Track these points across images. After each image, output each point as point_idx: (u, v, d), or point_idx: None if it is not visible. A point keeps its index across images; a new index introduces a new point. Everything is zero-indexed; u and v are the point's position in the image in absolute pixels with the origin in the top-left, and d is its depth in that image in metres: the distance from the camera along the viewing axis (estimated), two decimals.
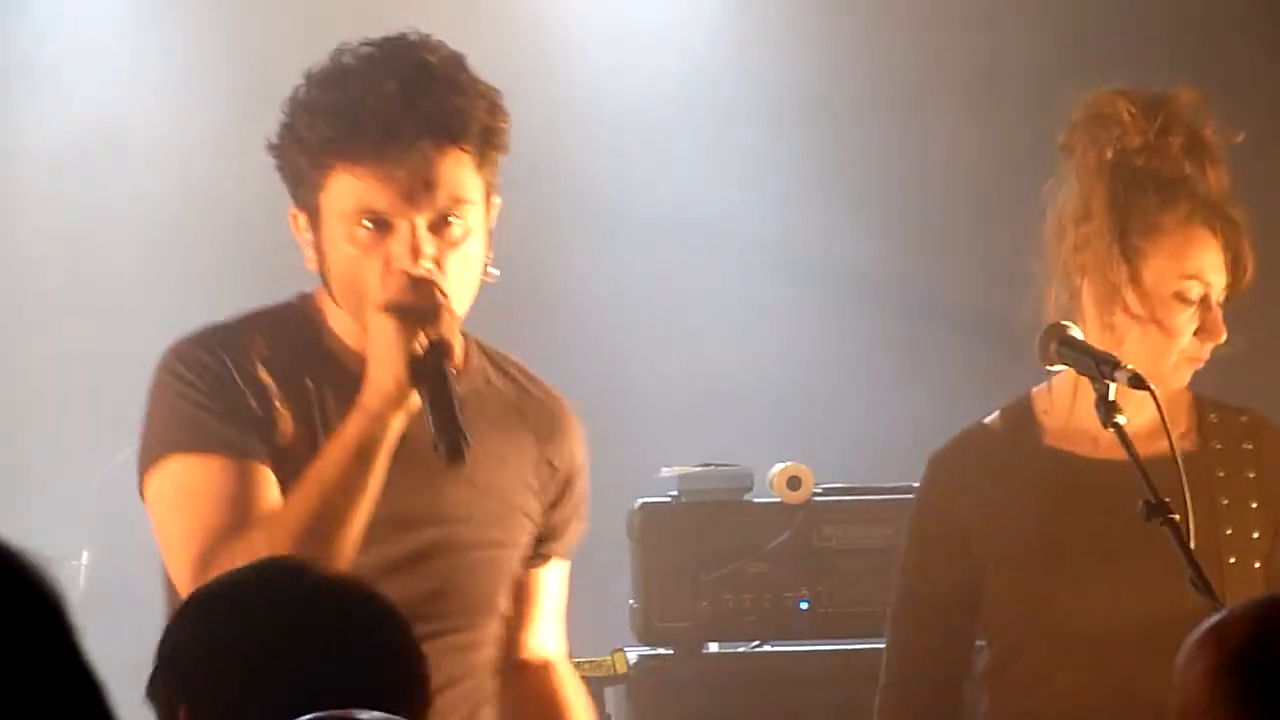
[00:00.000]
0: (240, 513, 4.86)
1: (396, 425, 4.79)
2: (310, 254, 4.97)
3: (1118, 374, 5.26)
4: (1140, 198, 5.65)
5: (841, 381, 8.70)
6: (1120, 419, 5.20)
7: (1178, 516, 4.98)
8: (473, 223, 4.83)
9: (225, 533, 4.79)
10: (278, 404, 5.06)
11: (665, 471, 7.13)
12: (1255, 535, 5.70)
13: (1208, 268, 5.65)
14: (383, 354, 4.79)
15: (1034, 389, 5.80)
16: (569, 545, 5.27)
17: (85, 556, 8.55)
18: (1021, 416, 5.84)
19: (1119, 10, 9.31)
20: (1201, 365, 5.73)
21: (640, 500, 7.06)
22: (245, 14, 9.51)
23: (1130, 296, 5.61)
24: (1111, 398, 5.24)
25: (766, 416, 8.65)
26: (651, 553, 7.00)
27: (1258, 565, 5.73)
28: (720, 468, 7.14)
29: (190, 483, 4.94)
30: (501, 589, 5.12)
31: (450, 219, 4.85)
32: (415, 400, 4.78)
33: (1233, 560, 5.68)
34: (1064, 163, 5.70)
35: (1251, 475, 5.78)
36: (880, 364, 8.71)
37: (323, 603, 3.79)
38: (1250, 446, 5.82)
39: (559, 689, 5.38)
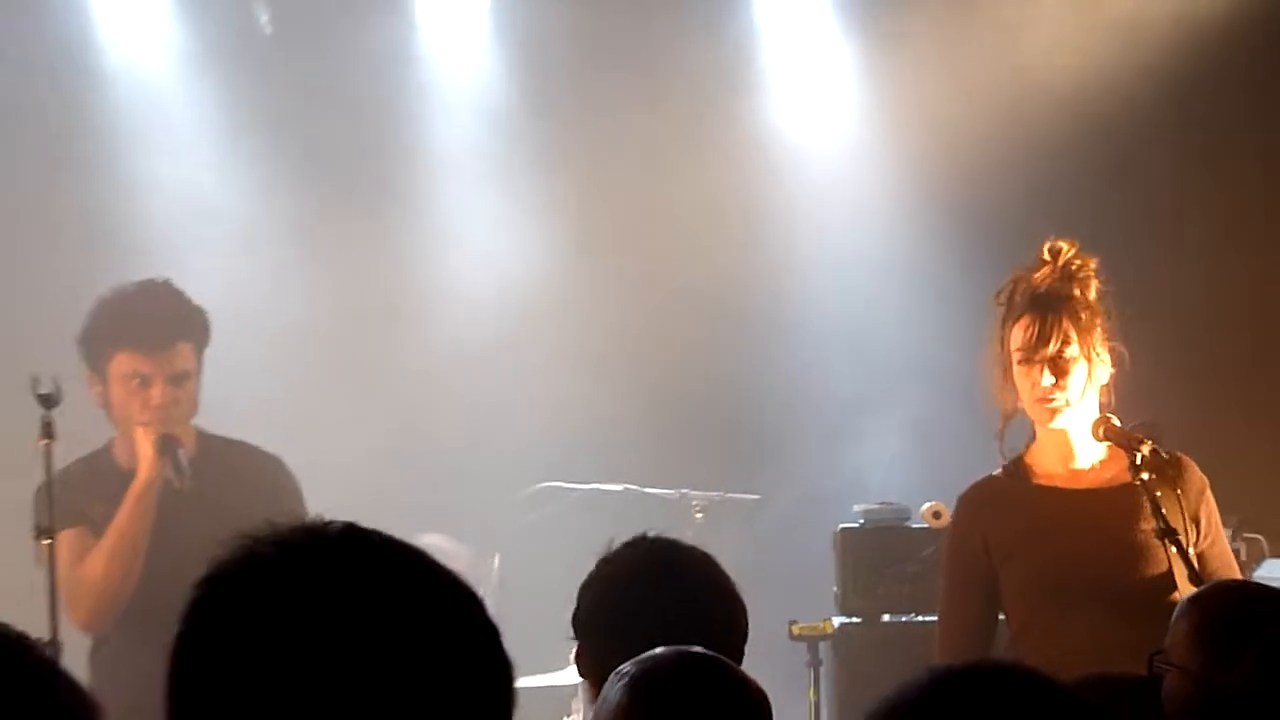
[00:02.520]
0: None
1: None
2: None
3: (1141, 451, 6.50)
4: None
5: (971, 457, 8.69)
6: (1145, 475, 6.43)
7: (1179, 536, 6.37)
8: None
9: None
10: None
11: (856, 508, 8.67)
12: (1187, 536, 6.56)
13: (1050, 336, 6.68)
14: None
15: (1026, 449, 6.81)
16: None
17: (497, 560, 9.29)
18: (1017, 467, 6.81)
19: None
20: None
21: (841, 525, 8.58)
22: None
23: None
24: (1139, 462, 6.46)
25: (917, 473, 9.59)
26: (848, 558, 8.55)
27: (1192, 552, 6.51)
28: (890, 505, 8.71)
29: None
30: None
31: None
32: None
33: (1173, 555, 6.48)
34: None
35: (1175, 496, 6.60)
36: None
37: (674, 568, 4.93)
38: (1172, 475, 6.66)
39: None
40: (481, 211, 10.32)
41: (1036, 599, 6.67)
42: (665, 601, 4.75)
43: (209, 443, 7.33)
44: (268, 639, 2.36)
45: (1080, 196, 9.83)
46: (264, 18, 10.18)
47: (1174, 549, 6.44)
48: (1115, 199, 9.89)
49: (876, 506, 8.67)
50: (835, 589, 8.57)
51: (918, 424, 10.00)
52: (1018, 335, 6.72)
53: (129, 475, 7.17)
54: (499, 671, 2.43)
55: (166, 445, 7.11)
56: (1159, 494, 6.58)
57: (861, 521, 8.64)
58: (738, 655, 4.70)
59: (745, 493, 9.38)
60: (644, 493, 9.23)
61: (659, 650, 4.11)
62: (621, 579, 4.88)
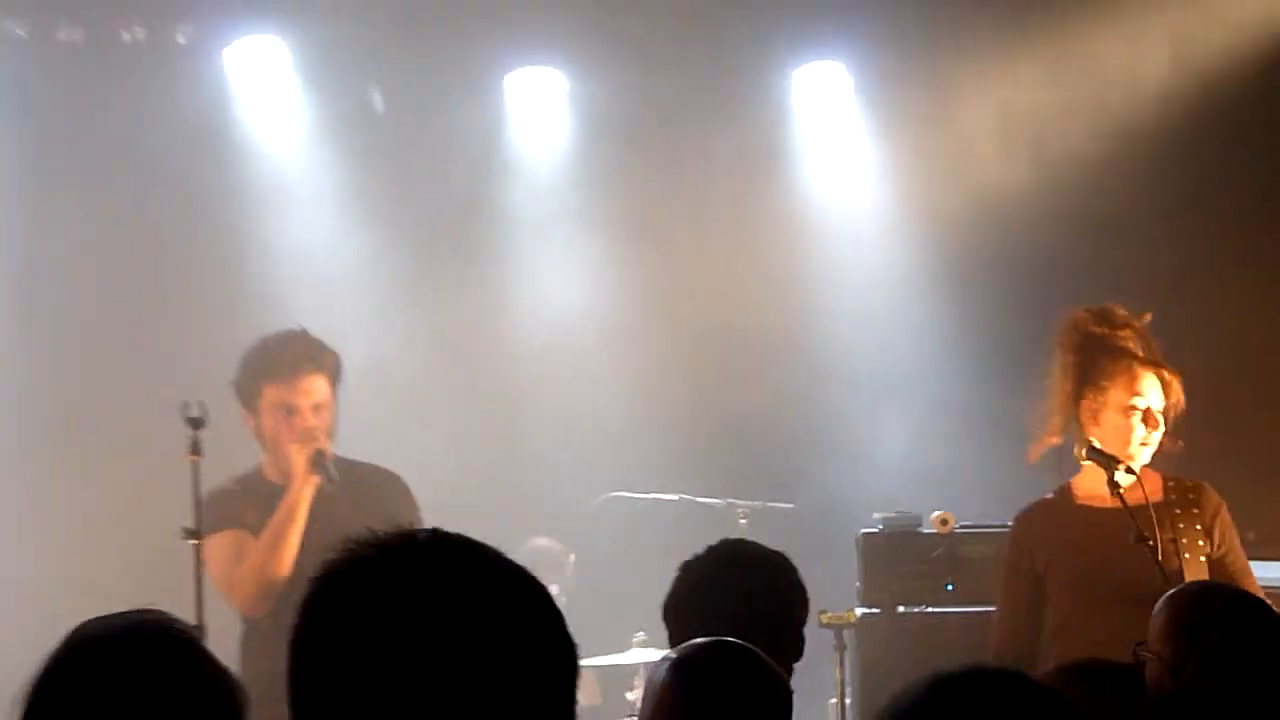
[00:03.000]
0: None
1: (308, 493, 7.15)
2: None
3: (1117, 468, 6.67)
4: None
5: (974, 472, 9.33)
6: (1120, 489, 6.60)
7: (1151, 541, 6.48)
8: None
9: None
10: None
11: (875, 515, 8.57)
12: (1201, 543, 6.79)
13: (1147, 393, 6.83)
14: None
15: (1073, 477, 6.95)
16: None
17: (572, 558, 9.34)
18: (1065, 491, 6.95)
19: None
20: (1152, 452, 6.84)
21: (862, 530, 8.49)
22: None
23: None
24: (1115, 480, 6.63)
25: (931, 485, 9.36)
26: (868, 557, 8.46)
27: (1203, 559, 6.73)
28: (904, 513, 8.58)
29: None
30: None
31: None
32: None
33: (1187, 558, 6.69)
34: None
35: (1195, 512, 6.84)
36: (983, 460, 9.19)
37: (740, 563, 5.01)
38: (1193, 498, 6.88)
39: None
40: (560, 263, 10.31)
41: (1075, 597, 6.78)
42: (732, 595, 4.85)
43: (340, 463, 7.34)
44: (367, 625, 2.36)
45: (1064, 252, 9.81)
46: (377, 99, 10.19)
47: (1150, 556, 6.52)
48: (1106, 256, 9.75)
49: (892, 514, 8.62)
50: (857, 584, 8.53)
51: (927, 443, 9.91)
52: (1120, 386, 6.85)
53: (278, 489, 7.24)
54: (563, 651, 2.42)
55: (317, 458, 7.19)
56: (1178, 511, 6.80)
57: (880, 526, 8.59)
58: (791, 636, 4.96)
59: (781, 501, 9.34)
60: (696, 501, 9.20)
61: (700, 640, 4.16)
62: (698, 576, 5.00)
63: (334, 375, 7.36)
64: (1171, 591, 4.95)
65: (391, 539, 2.44)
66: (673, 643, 4.84)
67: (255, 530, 7.21)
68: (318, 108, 10.17)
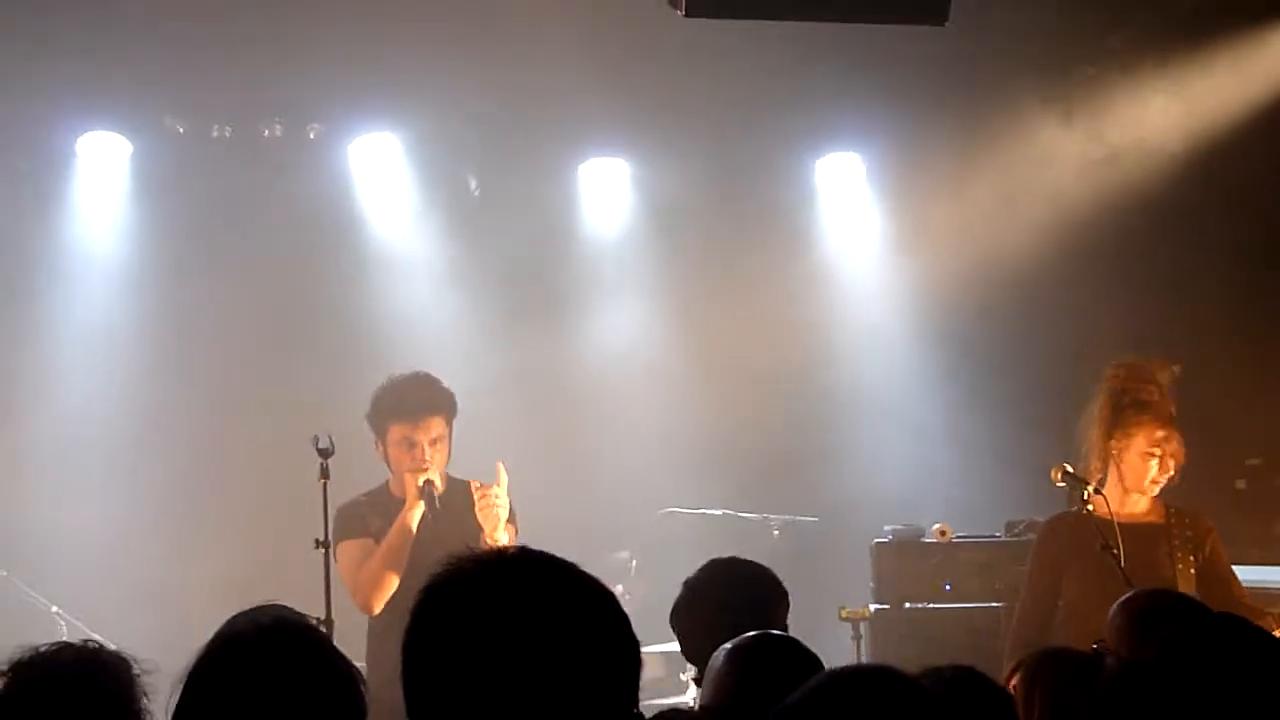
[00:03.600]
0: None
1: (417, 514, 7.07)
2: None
3: (1087, 489, 6.70)
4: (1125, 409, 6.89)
5: (966, 490, 9.32)
6: (1089, 507, 6.66)
7: (1115, 550, 6.47)
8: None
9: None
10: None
11: (886, 527, 8.49)
12: (1192, 558, 6.79)
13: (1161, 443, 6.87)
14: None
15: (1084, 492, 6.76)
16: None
17: (634, 562, 9.20)
18: (1080, 509, 6.76)
19: None
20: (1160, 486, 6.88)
21: (875, 540, 8.44)
22: None
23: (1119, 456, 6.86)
24: (1085, 498, 6.67)
25: (931, 501, 9.20)
26: (879, 563, 8.43)
27: (1193, 571, 6.73)
28: (910, 526, 8.51)
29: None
30: None
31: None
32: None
33: (1179, 569, 6.71)
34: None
35: (1189, 533, 6.85)
36: (974, 480, 9.29)
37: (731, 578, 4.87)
38: (1188, 521, 6.88)
39: None
40: (623, 317, 10.32)
41: (1084, 592, 6.69)
42: (725, 602, 4.75)
43: (453, 483, 7.27)
44: (466, 627, 2.37)
45: (1043, 306, 9.74)
46: (473, 183, 10.21)
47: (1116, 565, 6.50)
48: (1101, 311, 9.58)
49: (900, 526, 8.55)
50: (871, 584, 8.50)
51: (927, 465, 9.84)
52: (1144, 434, 6.91)
53: (400, 502, 7.21)
54: (628, 647, 2.42)
55: (426, 488, 7.15)
56: (1176, 532, 6.86)
57: (890, 536, 8.55)
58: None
59: (808, 515, 9.29)
60: (737, 516, 9.15)
61: (751, 633, 4.13)
62: (699, 590, 4.90)
63: (450, 414, 7.31)
64: (1125, 596, 4.90)
65: (487, 554, 2.45)
66: (682, 646, 4.82)
67: (379, 538, 7.18)
68: (423, 191, 10.17)
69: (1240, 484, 9.11)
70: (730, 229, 10.17)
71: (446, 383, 7.30)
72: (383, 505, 7.25)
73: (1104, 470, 6.96)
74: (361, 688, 3.20)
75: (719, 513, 9.22)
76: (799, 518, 9.24)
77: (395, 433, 7.24)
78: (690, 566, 5.01)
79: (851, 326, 10.39)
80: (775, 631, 4.22)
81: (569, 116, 9.82)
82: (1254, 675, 3.43)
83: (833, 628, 7.83)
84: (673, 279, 10.30)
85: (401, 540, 7.12)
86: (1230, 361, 9.02)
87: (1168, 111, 9.52)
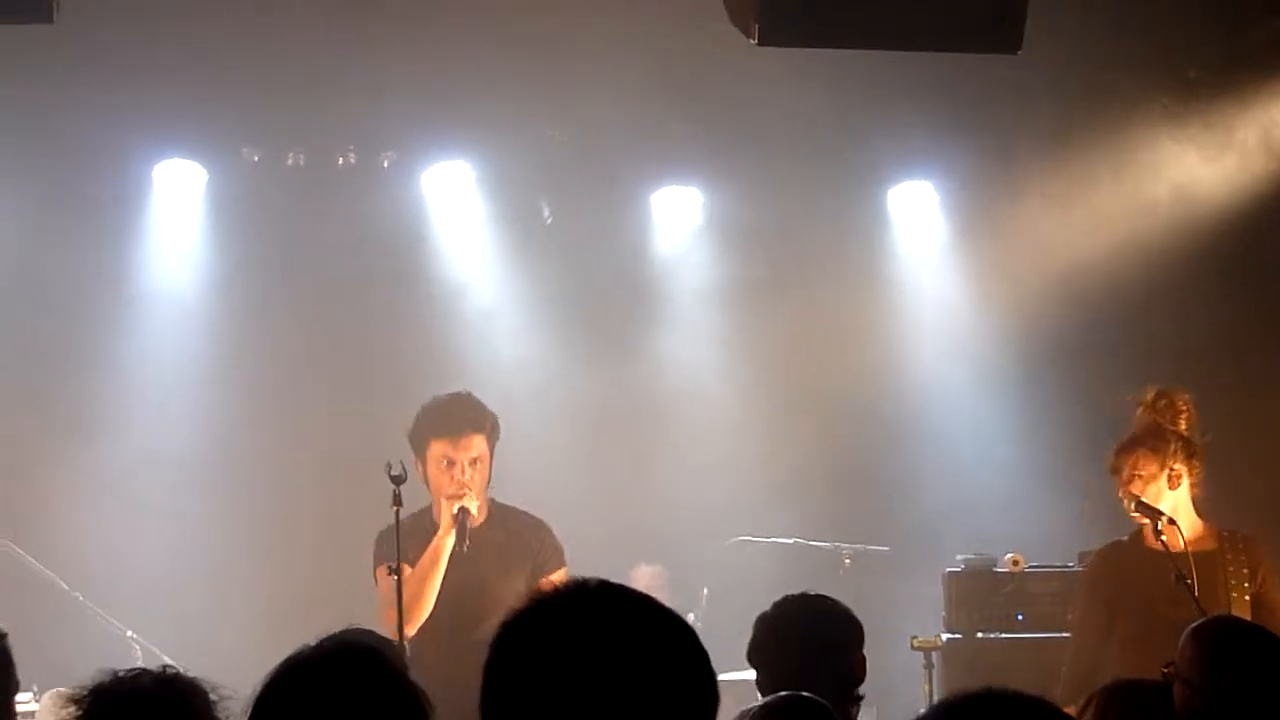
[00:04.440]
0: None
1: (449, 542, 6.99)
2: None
3: (1160, 519, 6.84)
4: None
5: (1040, 521, 9.14)
6: (1164, 537, 6.79)
7: (1189, 580, 6.57)
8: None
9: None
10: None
11: (958, 556, 8.50)
12: (1246, 585, 6.87)
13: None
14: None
15: (1143, 526, 6.96)
16: (554, 572, 7.01)
17: (706, 590, 9.24)
18: (1136, 536, 7.01)
19: None
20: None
21: (947, 569, 8.43)
22: None
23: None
24: (1159, 528, 6.81)
25: (1006, 533, 8.91)
26: (951, 592, 8.41)
27: (1247, 598, 6.83)
28: (981, 555, 8.50)
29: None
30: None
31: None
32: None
33: (1234, 596, 6.81)
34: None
35: (1243, 559, 6.95)
36: (1048, 510, 9.12)
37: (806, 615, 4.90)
38: (1242, 547, 6.99)
39: None
40: (698, 343, 10.29)
41: (1138, 621, 6.78)
42: (805, 646, 4.76)
43: (497, 509, 7.26)
44: (546, 657, 2.35)
45: (1116, 336, 9.69)
46: (546, 211, 10.21)
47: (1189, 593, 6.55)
48: (1151, 343, 9.57)
49: (972, 556, 8.55)
50: (943, 613, 8.50)
51: (997, 494, 9.73)
52: (1131, 462, 7.05)
53: (434, 522, 7.19)
54: (706, 681, 2.40)
55: (460, 516, 7.08)
56: (1229, 557, 6.91)
57: (962, 566, 8.55)
58: (851, 680, 4.79)
59: (879, 545, 9.27)
60: (808, 545, 9.13)
61: (785, 693, 4.20)
62: (778, 628, 4.90)
63: (491, 435, 7.22)
64: (1195, 624, 4.88)
65: (568, 588, 2.44)
66: (759, 679, 4.82)
67: (414, 563, 7.08)
68: (495, 218, 10.20)
69: None
70: (802, 256, 10.17)
71: (492, 405, 7.26)
72: (423, 529, 7.18)
73: (1129, 496, 7.02)
74: (430, 712, 3.19)
75: (790, 541, 9.22)
76: (870, 547, 9.22)
77: (435, 450, 7.17)
78: (762, 594, 5.01)
79: (924, 356, 10.35)
80: (808, 695, 4.21)
81: (641, 144, 9.86)
82: None
83: (904, 657, 7.82)
84: (744, 306, 10.28)
85: (432, 568, 7.06)
86: None
87: (1242, 146, 9.52)
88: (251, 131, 9.73)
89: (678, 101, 9.29)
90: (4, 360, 9.43)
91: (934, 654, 8.08)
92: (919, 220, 10.48)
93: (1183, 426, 7.03)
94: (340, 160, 9.89)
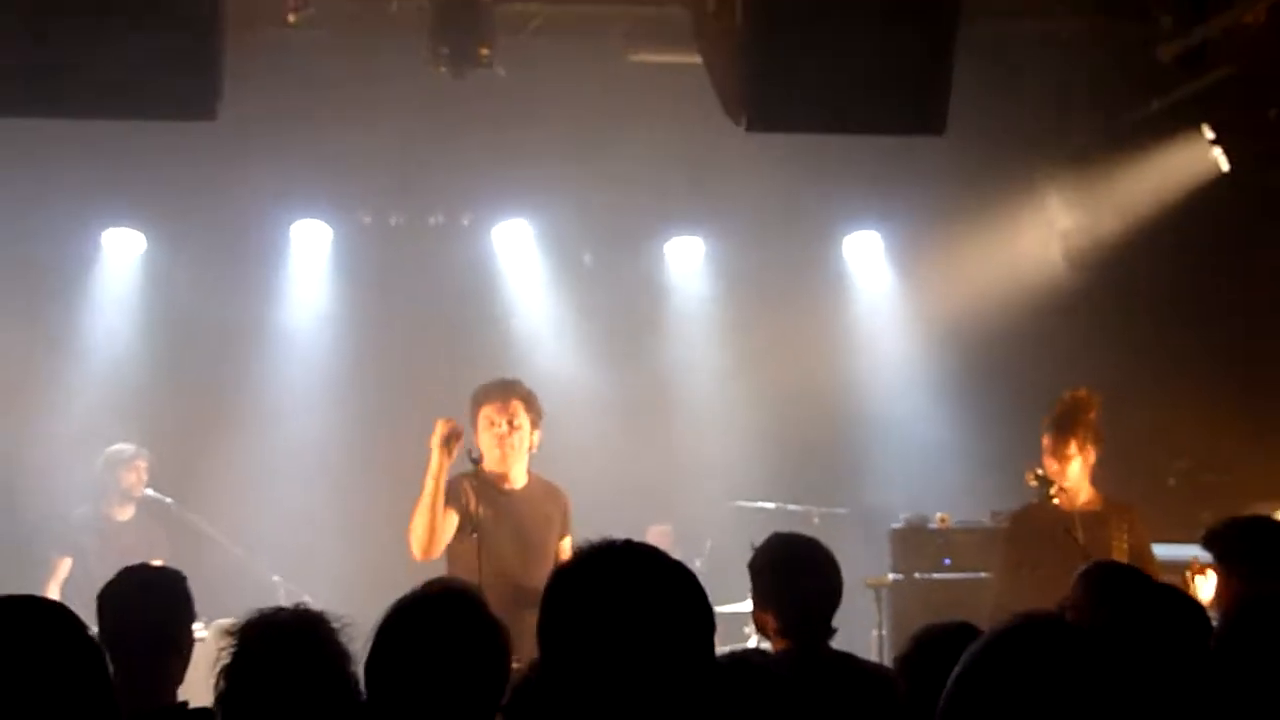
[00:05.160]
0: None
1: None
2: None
3: (1052, 488, 6.85)
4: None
5: (961, 488, 9.18)
6: (1055, 501, 6.77)
7: (1074, 533, 6.54)
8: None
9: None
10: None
11: (900, 516, 8.49)
12: (1125, 537, 6.79)
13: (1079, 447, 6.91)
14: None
15: (1049, 491, 6.83)
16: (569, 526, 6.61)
17: (709, 543, 9.00)
18: (1045, 498, 6.86)
19: None
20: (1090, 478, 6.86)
21: (892, 525, 8.45)
22: None
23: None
24: (1052, 494, 6.81)
25: (936, 498, 8.95)
26: (895, 543, 8.44)
27: (1125, 547, 6.72)
28: (917, 514, 8.52)
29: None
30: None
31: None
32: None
33: (1115, 544, 6.70)
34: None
35: (1124, 519, 6.85)
36: (967, 480, 9.16)
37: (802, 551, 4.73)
38: (1123, 510, 6.89)
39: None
40: (700, 357, 10.21)
41: (1051, 567, 6.49)
42: (799, 570, 4.58)
43: (534, 476, 6.76)
44: (593, 595, 2.36)
45: (1020, 350, 9.60)
46: (587, 258, 10.17)
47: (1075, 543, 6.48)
48: (1071, 355, 9.33)
49: (911, 515, 8.51)
50: (889, 559, 8.46)
51: (931, 468, 9.68)
52: (1070, 446, 6.89)
53: (492, 480, 6.64)
54: (705, 615, 2.41)
55: (450, 435, 6.43)
56: (1111, 517, 6.81)
57: (903, 523, 8.51)
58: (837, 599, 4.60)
59: (840, 507, 9.20)
60: (786, 508, 9.06)
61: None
62: (777, 557, 4.75)
63: (530, 405, 6.68)
64: (1083, 568, 4.74)
65: (601, 545, 2.44)
66: (754, 586, 4.65)
67: (469, 511, 6.53)
68: (550, 266, 10.12)
69: (1171, 481, 9.07)
70: (778, 289, 10.02)
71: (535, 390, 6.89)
72: (480, 482, 6.63)
73: (1062, 470, 6.90)
74: (509, 642, 3.17)
75: (772, 505, 9.14)
76: (834, 510, 9.15)
77: (483, 413, 6.66)
78: (752, 546, 4.87)
79: (876, 365, 10.24)
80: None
81: (658, 205, 9.82)
82: (1174, 632, 3.41)
83: (860, 593, 7.76)
84: (734, 326, 10.18)
85: (431, 487, 6.42)
86: (1163, 389, 8.94)
87: (1117, 201, 9.48)
88: (364, 198, 9.71)
89: (686, 172, 9.28)
90: (184, 372, 9.38)
91: (882, 590, 8.03)
92: (868, 261, 10.41)
93: (1093, 417, 6.97)
94: (431, 220, 9.86)
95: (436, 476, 6.40)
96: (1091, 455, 6.93)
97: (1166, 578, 4.94)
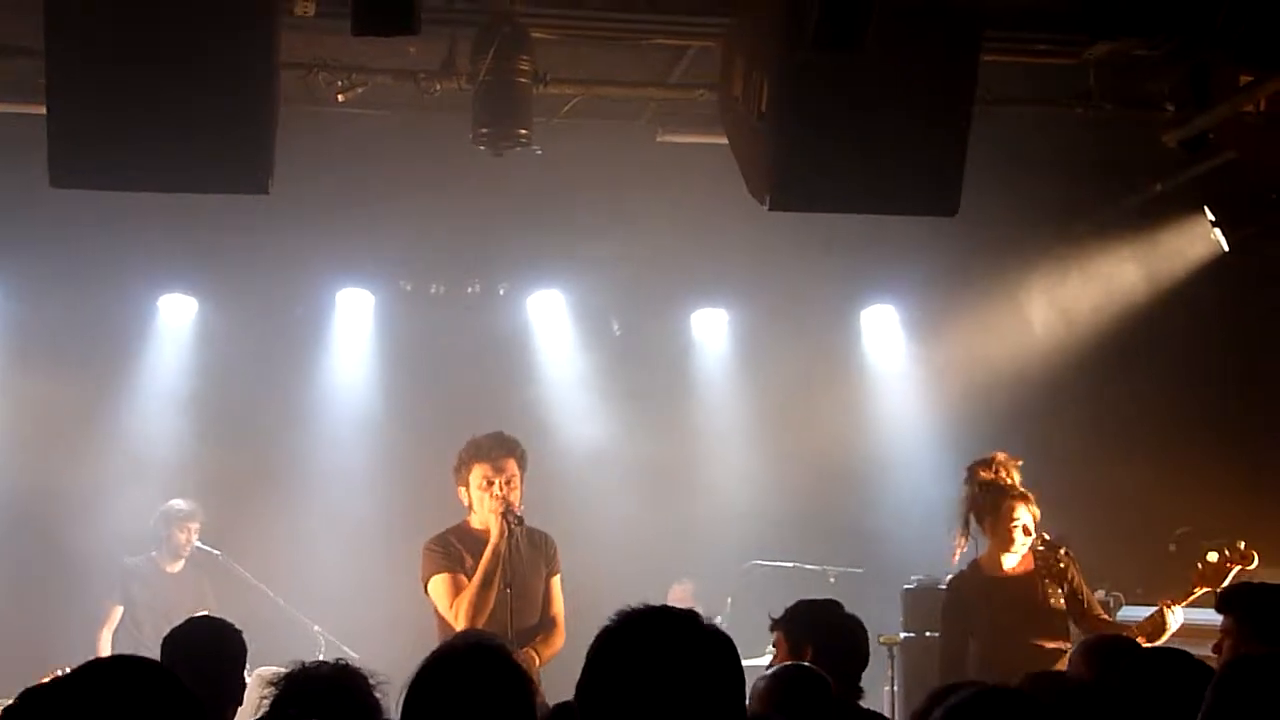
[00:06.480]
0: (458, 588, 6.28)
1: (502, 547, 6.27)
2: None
3: (1039, 543, 6.74)
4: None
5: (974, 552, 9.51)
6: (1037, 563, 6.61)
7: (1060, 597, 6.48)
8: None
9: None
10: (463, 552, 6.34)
11: (912, 577, 8.28)
12: (1059, 590, 6.67)
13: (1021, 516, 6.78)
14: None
15: (978, 557, 6.88)
16: (557, 571, 6.46)
17: (729, 600, 8.96)
18: (975, 566, 6.88)
19: None
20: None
21: (904, 586, 8.24)
22: None
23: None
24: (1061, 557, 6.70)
25: (946, 560, 8.46)
26: (908, 602, 8.25)
27: (1063, 601, 6.63)
28: (929, 576, 8.13)
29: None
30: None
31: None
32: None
33: (1052, 600, 6.64)
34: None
35: (1055, 566, 6.71)
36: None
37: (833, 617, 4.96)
38: (1052, 558, 6.75)
39: (556, 611, 6.36)
40: (723, 421, 10.17)
41: (995, 634, 6.63)
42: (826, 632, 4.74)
43: (529, 530, 6.56)
44: (635, 655, 2.41)
45: (1022, 414, 9.50)
46: (615, 326, 10.16)
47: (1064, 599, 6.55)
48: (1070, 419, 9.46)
49: (922, 577, 8.37)
50: (901, 618, 8.35)
51: (948, 531, 9.50)
52: (1008, 510, 6.74)
53: (479, 535, 6.46)
54: (736, 672, 2.45)
55: (508, 513, 6.37)
56: (1045, 571, 6.69)
57: (915, 584, 8.40)
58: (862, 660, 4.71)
59: (855, 567, 9.16)
60: (802, 567, 9.03)
61: (784, 664, 4.29)
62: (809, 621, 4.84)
63: (521, 461, 6.49)
64: (1084, 641, 4.72)
65: (642, 611, 2.49)
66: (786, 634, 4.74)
67: (467, 570, 6.41)
68: (579, 332, 10.11)
69: (1171, 547, 8.98)
70: (799, 357, 10.01)
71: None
72: (471, 539, 6.48)
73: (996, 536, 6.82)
74: (536, 694, 3.25)
75: (790, 565, 9.12)
76: (849, 569, 9.11)
77: (477, 473, 6.45)
78: (770, 604, 4.98)
79: (891, 431, 10.18)
80: (802, 664, 4.28)
81: (685, 279, 9.86)
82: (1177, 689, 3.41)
83: (873, 649, 7.56)
84: (756, 392, 10.14)
85: (495, 564, 6.32)
86: (1166, 456, 8.94)
87: (1121, 278, 9.51)
88: (406, 267, 9.74)
89: (711, 248, 9.29)
90: (228, 434, 9.40)
91: (895, 647, 7.94)
92: (884, 332, 10.42)
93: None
94: (469, 289, 9.88)
95: (499, 555, 6.34)
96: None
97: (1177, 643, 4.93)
